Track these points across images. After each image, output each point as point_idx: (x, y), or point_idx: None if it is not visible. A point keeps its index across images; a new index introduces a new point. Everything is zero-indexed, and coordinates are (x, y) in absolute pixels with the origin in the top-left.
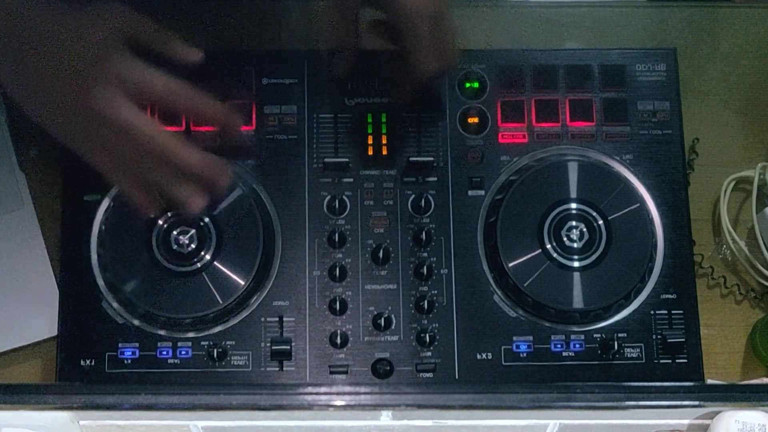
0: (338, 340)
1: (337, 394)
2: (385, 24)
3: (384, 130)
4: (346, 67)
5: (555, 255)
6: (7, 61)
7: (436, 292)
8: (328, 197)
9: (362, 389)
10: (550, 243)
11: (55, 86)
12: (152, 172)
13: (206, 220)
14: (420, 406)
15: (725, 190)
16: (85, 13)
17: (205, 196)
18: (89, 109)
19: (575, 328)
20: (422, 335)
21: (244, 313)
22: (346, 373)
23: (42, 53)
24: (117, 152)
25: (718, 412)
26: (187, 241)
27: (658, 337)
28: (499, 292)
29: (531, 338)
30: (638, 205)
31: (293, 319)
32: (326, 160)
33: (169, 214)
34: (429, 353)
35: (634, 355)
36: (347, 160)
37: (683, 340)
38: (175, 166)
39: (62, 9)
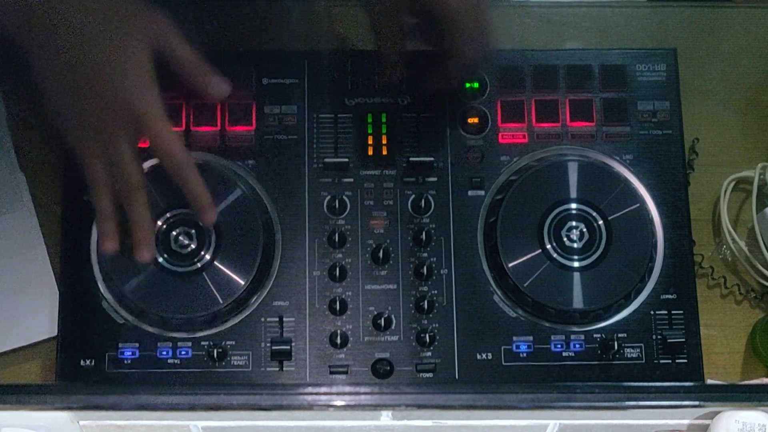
0: (338, 340)
1: (337, 394)
2: (425, 24)
3: (384, 130)
4: (393, 70)
5: (555, 255)
6: (40, 51)
7: (436, 292)
8: (328, 197)
9: (362, 389)
10: (550, 243)
11: (84, 80)
12: (102, 198)
13: None
14: (420, 406)
15: (725, 190)
16: (123, 13)
17: (116, 248)
18: (112, 107)
19: (575, 328)
20: (422, 335)
21: (244, 313)
22: (346, 373)
23: (84, 45)
24: (107, 167)
25: (718, 412)
26: (187, 241)
27: (658, 337)
28: (499, 292)
29: (531, 338)
30: (638, 205)
31: (293, 319)
32: (326, 160)
33: (168, 214)
34: (429, 353)
35: (634, 355)
36: (347, 160)
37: (683, 340)
38: (126, 208)
39: (106, 10)
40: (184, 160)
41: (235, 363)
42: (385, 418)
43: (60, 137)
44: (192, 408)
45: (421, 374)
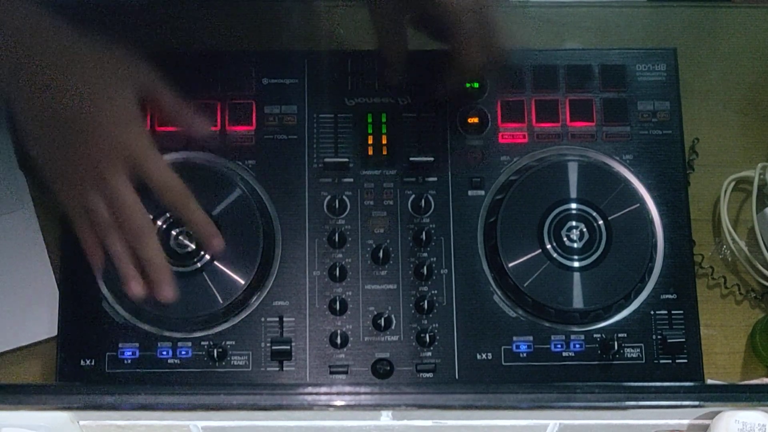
0: (338, 340)
1: (337, 394)
2: (430, 23)
3: (384, 130)
4: (394, 70)
5: (555, 255)
6: (20, 88)
7: (436, 292)
8: (328, 197)
9: (362, 389)
10: (550, 243)
11: (68, 139)
12: (113, 240)
13: None
14: (420, 406)
15: (725, 190)
16: (104, 58)
17: (144, 289)
18: (87, 158)
19: (575, 328)
20: (422, 335)
21: (244, 313)
22: (346, 373)
23: (63, 92)
24: (90, 207)
25: (718, 412)
26: (186, 241)
27: (658, 337)
28: (499, 292)
29: (531, 338)
30: (638, 205)
31: (293, 319)
32: (326, 160)
33: (168, 214)
34: (429, 353)
35: (634, 355)
36: (347, 160)
37: (683, 340)
38: (136, 250)
39: (87, 50)
40: (181, 192)
41: (235, 363)
42: (385, 418)
43: (55, 193)
44: (192, 408)
45: (421, 374)
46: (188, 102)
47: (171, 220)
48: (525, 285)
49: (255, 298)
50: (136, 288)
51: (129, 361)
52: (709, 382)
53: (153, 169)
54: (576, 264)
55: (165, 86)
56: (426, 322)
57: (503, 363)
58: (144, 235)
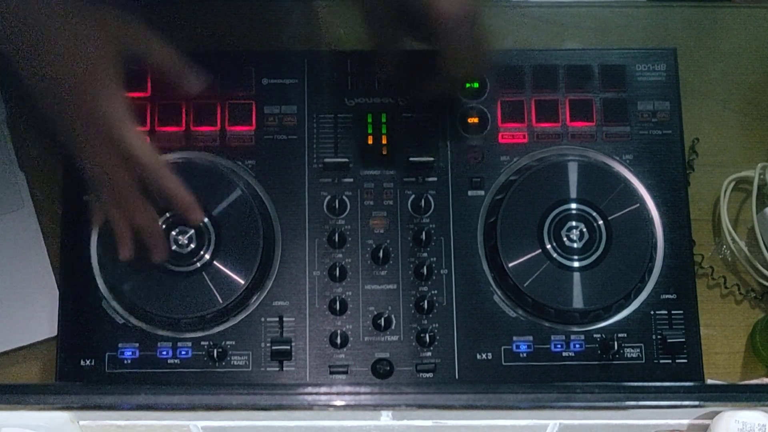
0: (338, 340)
1: (337, 394)
2: (420, 25)
3: (384, 130)
4: (390, 69)
5: (555, 255)
6: (21, 58)
7: (436, 292)
8: (328, 197)
9: (362, 389)
10: (550, 243)
11: (60, 89)
12: (135, 202)
13: (206, 219)
14: (420, 406)
15: (725, 190)
16: (87, 19)
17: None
18: (86, 117)
19: (575, 328)
20: (422, 335)
21: (244, 313)
22: (346, 373)
23: (49, 55)
24: (106, 166)
25: (718, 412)
26: (186, 241)
27: (658, 337)
28: (499, 292)
29: (531, 338)
30: (638, 205)
31: (293, 319)
32: (326, 160)
33: (167, 214)
34: (429, 353)
35: (634, 355)
36: (347, 160)
37: (683, 340)
38: (155, 187)
39: (68, 12)
40: (155, 164)
41: (235, 363)
42: (385, 418)
43: (58, 144)
44: (192, 408)
45: (421, 374)
46: (182, 57)
47: (170, 220)
48: (525, 285)
49: (255, 298)
50: (125, 252)
51: (129, 361)
52: (709, 382)
53: (124, 137)
54: (576, 264)
55: (154, 38)
56: (426, 322)
57: (503, 363)
58: (127, 197)
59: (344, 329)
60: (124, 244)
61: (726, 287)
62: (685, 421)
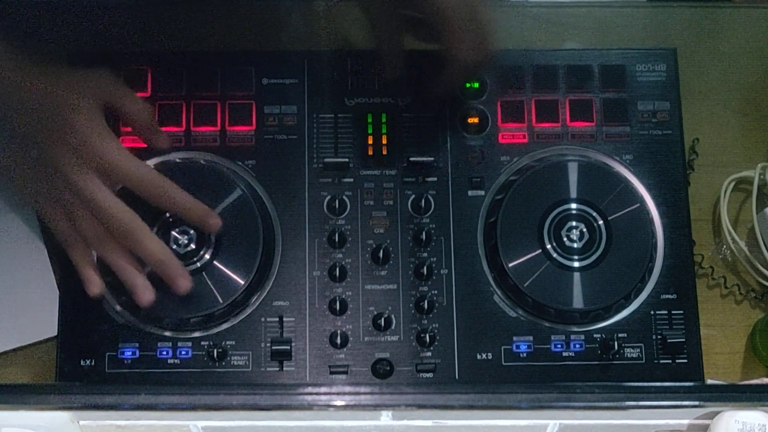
0: (338, 340)
1: (337, 394)
2: (423, 23)
3: (384, 130)
4: (393, 68)
5: (555, 255)
6: None
7: (436, 292)
8: (328, 197)
9: (362, 389)
10: (550, 243)
11: (28, 142)
12: (108, 251)
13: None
14: (420, 406)
15: (725, 190)
16: (70, 78)
17: (153, 292)
18: (57, 173)
19: (575, 328)
20: (422, 335)
21: (244, 313)
22: (346, 373)
23: (21, 109)
24: (76, 222)
25: (718, 412)
26: (186, 241)
27: (658, 337)
28: (499, 292)
29: (531, 338)
30: (638, 205)
31: (293, 319)
32: (326, 160)
33: (167, 214)
34: (429, 353)
35: (634, 355)
36: (347, 160)
37: (683, 340)
38: (136, 252)
39: (47, 71)
40: (162, 182)
41: (235, 363)
42: (385, 418)
43: (38, 215)
44: (192, 408)
45: (421, 374)
46: (151, 113)
47: (170, 220)
48: (525, 285)
49: (255, 298)
50: (146, 295)
51: (129, 361)
52: (709, 382)
53: (126, 168)
54: (576, 264)
55: (128, 92)
56: (426, 322)
57: (503, 363)
58: (137, 232)
59: (344, 329)
60: (143, 286)
61: (726, 287)
62: (685, 421)
